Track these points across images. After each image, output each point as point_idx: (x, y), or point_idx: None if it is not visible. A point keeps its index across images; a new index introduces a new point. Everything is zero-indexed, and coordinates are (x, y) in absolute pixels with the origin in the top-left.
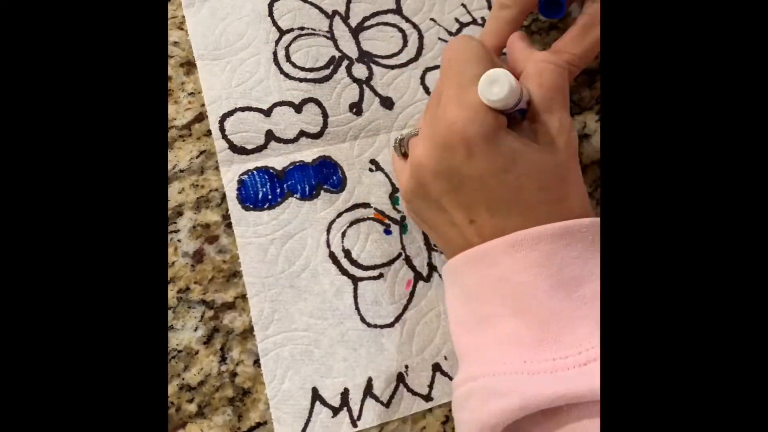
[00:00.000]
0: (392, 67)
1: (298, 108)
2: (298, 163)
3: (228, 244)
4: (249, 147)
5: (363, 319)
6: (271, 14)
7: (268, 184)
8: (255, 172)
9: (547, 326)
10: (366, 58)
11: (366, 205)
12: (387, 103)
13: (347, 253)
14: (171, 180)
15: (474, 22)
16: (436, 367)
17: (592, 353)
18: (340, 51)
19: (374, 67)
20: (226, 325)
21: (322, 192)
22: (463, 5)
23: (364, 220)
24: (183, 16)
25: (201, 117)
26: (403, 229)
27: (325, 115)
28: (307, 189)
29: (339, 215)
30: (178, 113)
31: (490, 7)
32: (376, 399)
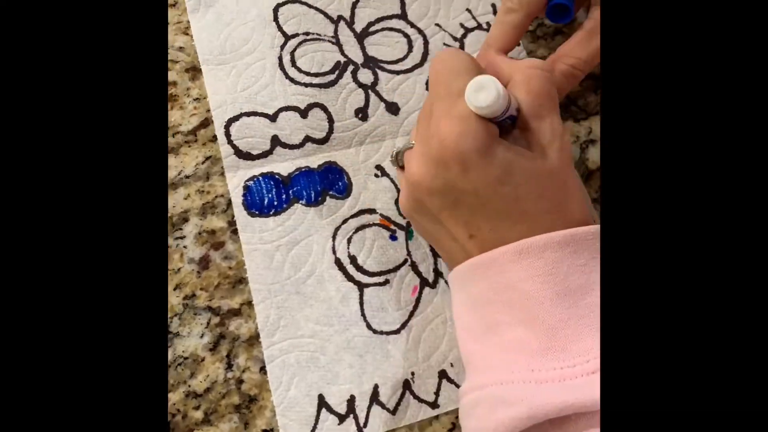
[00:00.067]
0: (398, 73)
1: (303, 113)
2: (303, 169)
3: (234, 250)
4: (255, 152)
5: (369, 326)
6: (276, 19)
7: (274, 190)
8: (261, 178)
9: (555, 334)
10: (371, 63)
11: (372, 211)
12: (392, 108)
13: (353, 260)
14: (177, 186)
15: (479, 27)
16: (443, 374)
17: (599, 362)
18: (345, 56)
19: (380, 73)
20: (232, 332)
21: (327, 198)
22: (468, 10)
23: (369, 226)
24: (188, 22)
25: (206, 122)
26: (409, 235)
27: (330, 121)
28: (312, 195)
29: (345, 221)
30: (183, 119)
31: (495, 12)
32: (383, 406)
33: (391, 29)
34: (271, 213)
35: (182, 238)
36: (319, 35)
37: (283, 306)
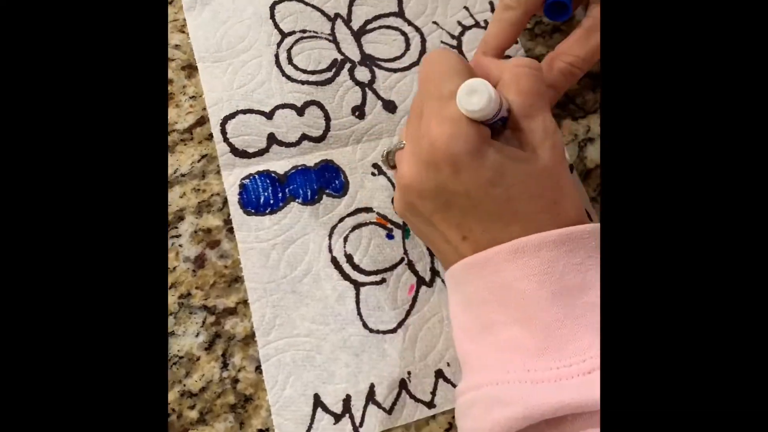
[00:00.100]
0: (395, 71)
1: (300, 111)
2: (300, 167)
3: (229, 249)
4: (251, 150)
5: (365, 325)
6: (272, 17)
7: (270, 188)
8: (257, 177)
9: (551, 334)
10: (368, 61)
11: (368, 210)
12: (390, 106)
13: (349, 258)
14: (172, 184)
15: (477, 24)
16: (439, 374)
17: (596, 361)
18: (342, 54)
19: (377, 71)
20: (227, 331)
21: (324, 196)
22: (466, 8)
23: (366, 224)
24: (184, 20)
25: (202, 121)
26: (406, 233)
27: (327, 118)
28: (309, 193)
29: (341, 220)
30: (179, 117)
31: (492, 10)
32: (379, 405)
33: (388, 27)
34: (267, 211)
35: (178, 236)
36: (316, 33)
37: (279, 305)
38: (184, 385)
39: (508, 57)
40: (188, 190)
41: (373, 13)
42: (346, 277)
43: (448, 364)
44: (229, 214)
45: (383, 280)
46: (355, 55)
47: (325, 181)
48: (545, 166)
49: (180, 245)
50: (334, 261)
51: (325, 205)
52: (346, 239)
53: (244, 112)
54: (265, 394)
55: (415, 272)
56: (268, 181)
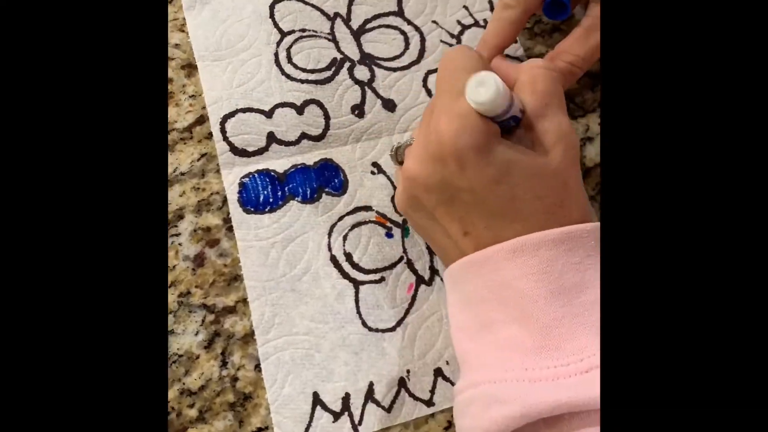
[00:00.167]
0: (394, 70)
1: (299, 109)
2: (299, 166)
3: (229, 247)
4: (250, 149)
5: (364, 323)
6: (272, 16)
7: (270, 187)
8: (256, 175)
9: (549, 333)
10: (368, 60)
11: (368, 209)
12: (389, 105)
13: (348, 257)
14: (172, 183)
15: (476, 24)
16: (438, 372)
17: (593, 360)
18: (341, 53)
19: (376, 70)
20: (227, 330)
21: (323, 195)
22: (465, 7)
23: (365, 223)
24: (184, 19)
25: (202, 119)
26: (405, 232)
27: (326, 117)
28: (308, 192)
29: (340, 218)
30: (179, 116)
31: (492, 9)
32: (378, 404)
33: (387, 26)
34: (267, 210)
35: (177, 235)
36: (316, 32)
37: (278, 303)
38: (184, 384)
39: (508, 57)
40: (188, 189)
41: (372, 13)
42: (345, 275)
43: (447, 363)
44: (228, 213)
45: (382, 279)
46: (355, 54)
47: (325, 179)
48: (555, 167)
49: (179, 244)
50: (334, 259)
51: (325, 204)
52: (345, 238)
53: (244, 110)
54: (265, 393)
55: (414, 271)
56: (267, 180)
